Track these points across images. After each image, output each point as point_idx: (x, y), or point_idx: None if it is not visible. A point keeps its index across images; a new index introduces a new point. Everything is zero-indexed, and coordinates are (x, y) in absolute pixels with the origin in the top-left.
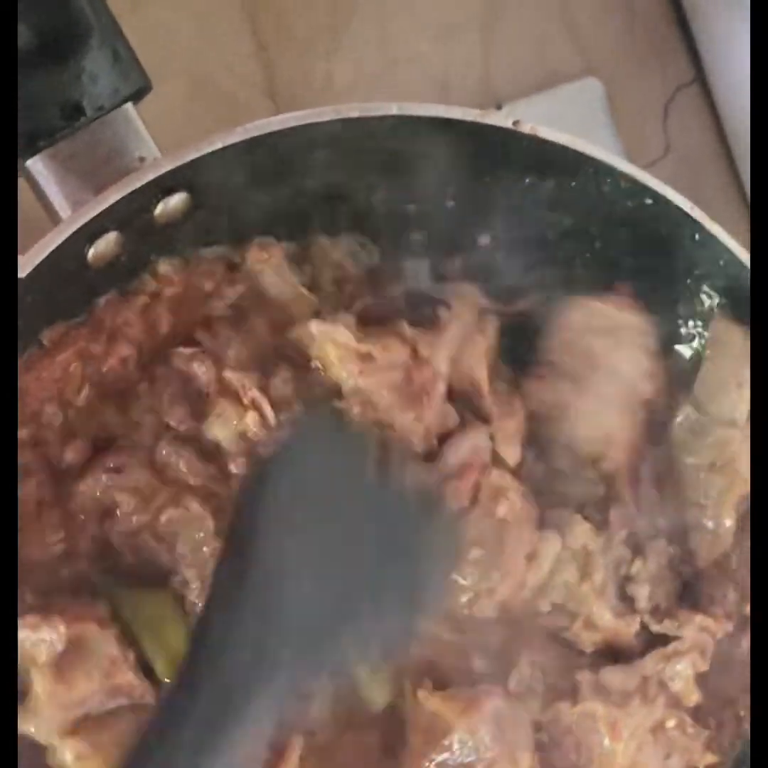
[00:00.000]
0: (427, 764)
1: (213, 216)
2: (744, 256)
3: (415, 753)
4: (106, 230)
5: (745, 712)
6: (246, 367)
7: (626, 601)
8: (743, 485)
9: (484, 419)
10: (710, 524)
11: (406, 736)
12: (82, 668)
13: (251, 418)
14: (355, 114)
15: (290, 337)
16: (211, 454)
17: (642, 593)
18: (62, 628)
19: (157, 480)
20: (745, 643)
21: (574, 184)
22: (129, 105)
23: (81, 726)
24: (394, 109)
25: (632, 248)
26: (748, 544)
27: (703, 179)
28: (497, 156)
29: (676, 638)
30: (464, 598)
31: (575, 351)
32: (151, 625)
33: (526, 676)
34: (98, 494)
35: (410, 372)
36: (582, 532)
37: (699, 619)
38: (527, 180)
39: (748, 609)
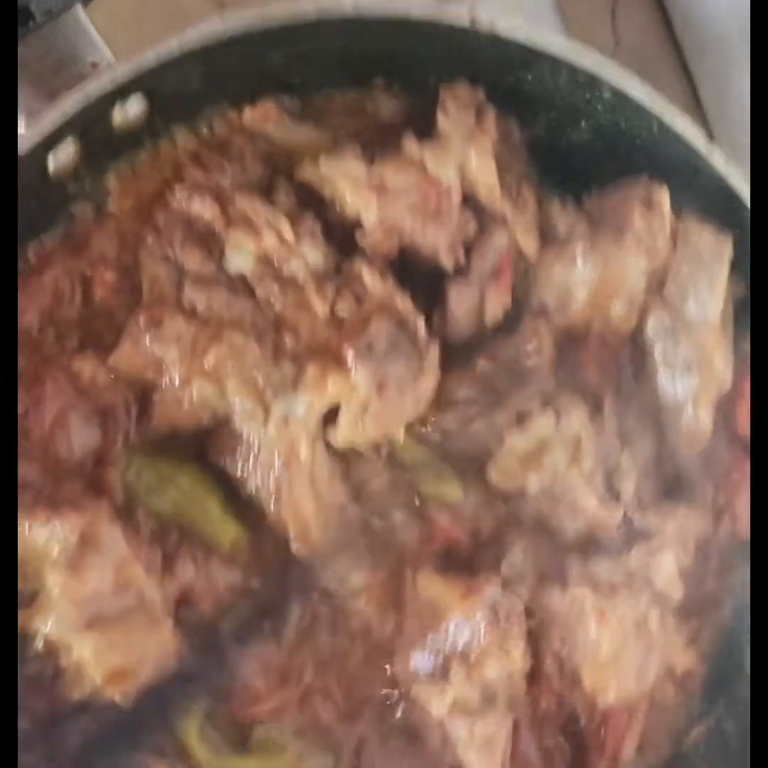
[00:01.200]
0: (419, 649)
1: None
2: (703, 147)
3: (409, 638)
4: (64, 137)
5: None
6: (247, 192)
7: (612, 491)
8: (719, 383)
9: (501, 219)
10: (688, 422)
11: (402, 625)
12: (95, 563)
13: (269, 239)
14: (311, 12)
15: (300, 178)
16: (238, 286)
17: (627, 484)
18: (75, 521)
19: (194, 323)
20: (723, 532)
21: (530, 77)
22: (78, 7)
23: (95, 624)
24: (349, 8)
25: (592, 142)
26: (726, 438)
27: (652, 74)
28: (454, 51)
29: (659, 533)
30: None
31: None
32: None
33: (518, 562)
34: (141, 354)
35: (424, 191)
36: (577, 419)
37: (681, 513)
38: (486, 75)
39: (723, 500)
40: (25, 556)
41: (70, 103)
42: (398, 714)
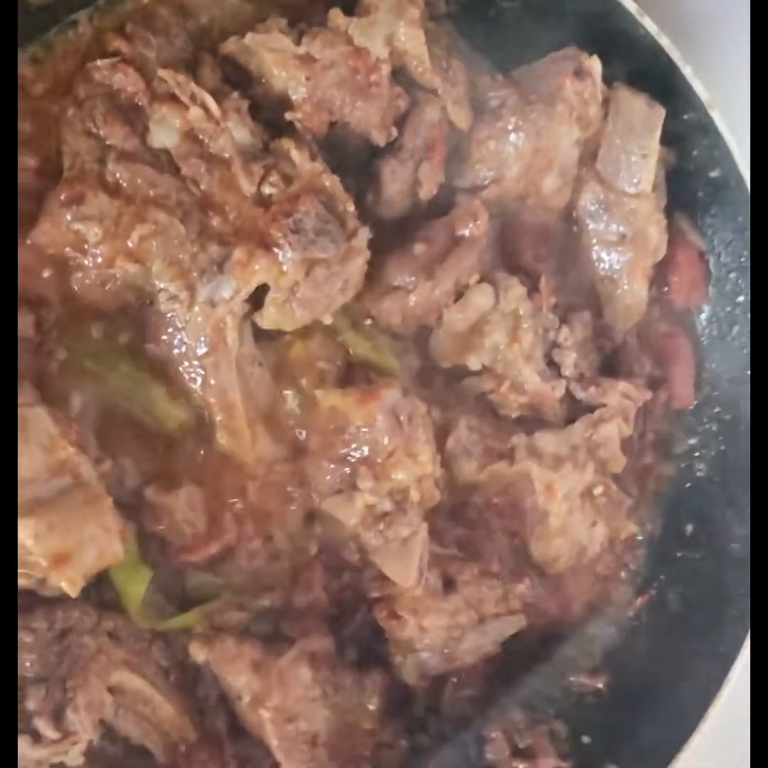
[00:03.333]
0: (325, 463)
1: None
2: (635, 10)
3: (315, 456)
4: None
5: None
6: (172, 66)
7: (553, 367)
8: (653, 254)
9: (432, 92)
10: (624, 295)
11: (307, 444)
12: (23, 449)
13: (194, 114)
14: None
15: (226, 51)
16: (163, 163)
17: (568, 360)
18: None
19: (117, 200)
20: (659, 404)
21: None
22: None
23: (34, 509)
24: None
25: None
26: (660, 311)
27: None
28: None
29: (600, 405)
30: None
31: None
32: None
33: (464, 438)
34: (62, 232)
35: (353, 64)
36: (515, 296)
37: (621, 386)
38: None
39: (659, 372)
40: None
41: None
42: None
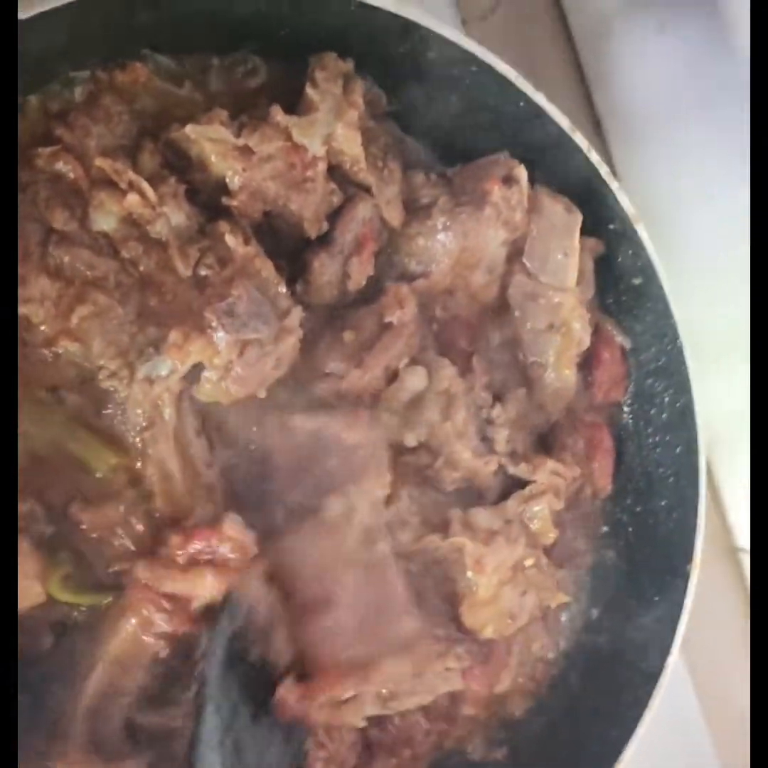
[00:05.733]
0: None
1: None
2: (567, 126)
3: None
4: None
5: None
6: (111, 153)
7: (486, 442)
8: (577, 344)
9: (366, 190)
10: (553, 380)
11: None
12: None
13: (131, 200)
14: None
15: (167, 138)
16: (102, 246)
17: (501, 436)
18: None
19: (58, 282)
20: (586, 489)
21: (401, 50)
22: None
23: None
24: None
25: (462, 116)
26: (586, 403)
27: (533, 34)
28: (325, 18)
29: (532, 481)
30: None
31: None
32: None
33: (404, 508)
34: None
35: (290, 159)
36: (446, 376)
37: (551, 463)
38: (357, 45)
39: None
40: None
41: None
42: None
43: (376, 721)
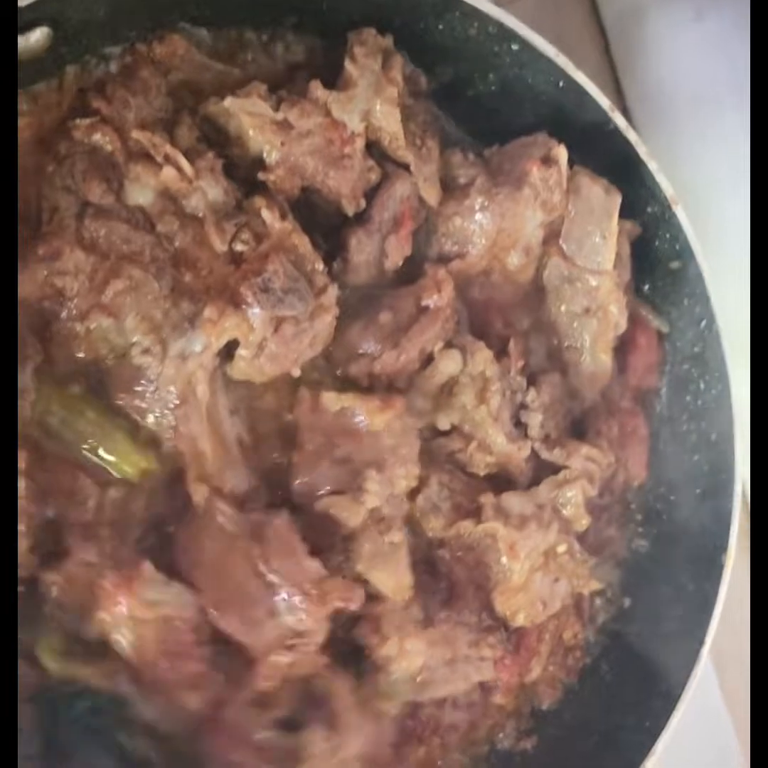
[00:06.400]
0: (326, 462)
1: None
2: (607, 105)
3: (313, 455)
4: None
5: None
6: (149, 126)
7: (520, 427)
8: (614, 328)
9: (404, 168)
10: (589, 363)
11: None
12: None
13: (168, 174)
14: None
15: (205, 112)
16: (138, 220)
17: (534, 421)
18: None
19: (93, 256)
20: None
21: (441, 26)
22: None
23: None
24: None
25: (500, 95)
26: (620, 388)
27: (564, 18)
28: None
29: (565, 467)
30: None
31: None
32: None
33: (434, 494)
34: (39, 286)
35: (328, 135)
36: (482, 359)
37: (585, 449)
38: (397, 21)
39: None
40: None
41: None
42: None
43: (409, 708)
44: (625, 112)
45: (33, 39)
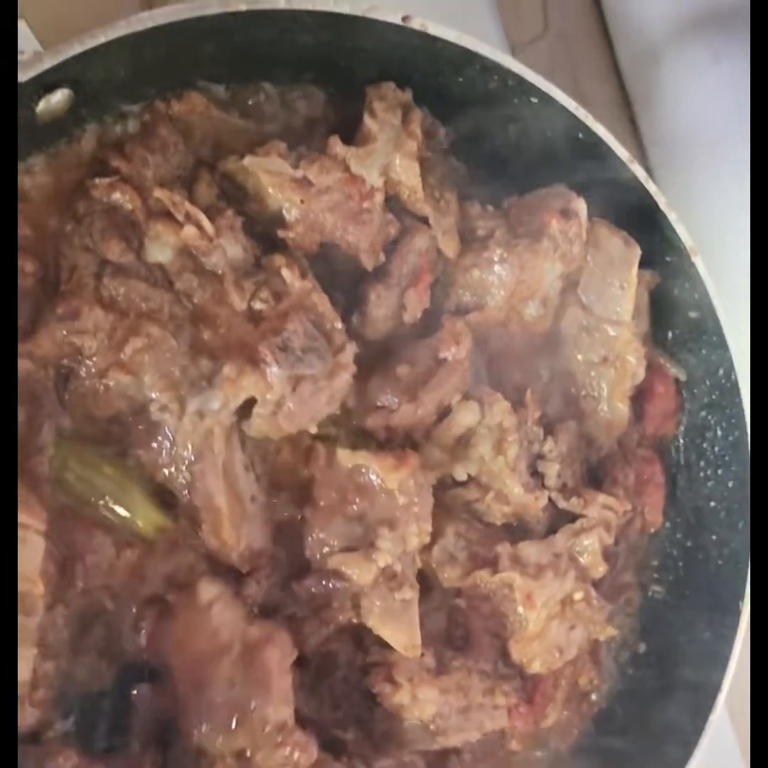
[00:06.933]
0: (339, 518)
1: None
2: (625, 157)
3: (327, 511)
4: None
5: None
6: (168, 183)
7: (536, 477)
8: (632, 377)
9: (422, 221)
10: (606, 412)
11: (312, 496)
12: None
13: (189, 233)
14: (242, 7)
15: (224, 169)
16: (157, 278)
17: (552, 471)
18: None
19: (112, 314)
20: (636, 523)
21: (461, 79)
22: None
23: None
24: (281, 3)
25: (518, 146)
26: (638, 436)
27: (579, 58)
28: (385, 49)
29: (582, 515)
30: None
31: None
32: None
33: (450, 544)
34: (58, 345)
35: (347, 190)
36: (500, 410)
37: (602, 498)
38: (415, 76)
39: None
40: None
41: None
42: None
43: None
44: (641, 151)
45: (54, 101)
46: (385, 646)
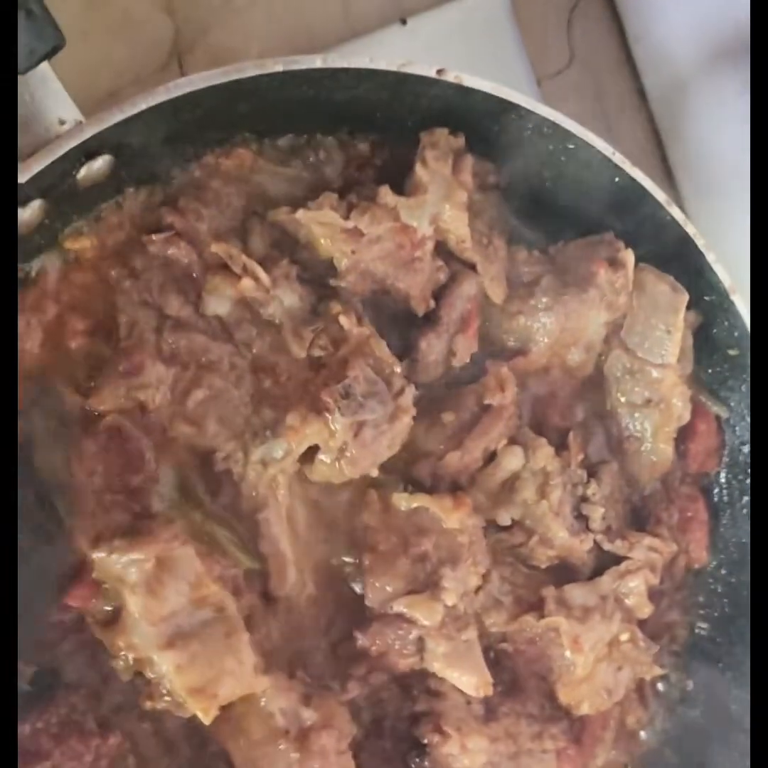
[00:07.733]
0: (404, 560)
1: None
2: (663, 199)
3: (389, 554)
4: (30, 199)
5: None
6: (222, 236)
7: (580, 520)
8: (677, 419)
9: (470, 267)
10: (649, 452)
11: (369, 543)
12: (171, 584)
13: (246, 285)
14: (278, 68)
15: (274, 219)
16: (216, 330)
17: (596, 514)
18: (150, 548)
19: (173, 368)
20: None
21: (496, 127)
22: (45, 64)
23: (176, 641)
24: (318, 62)
25: (556, 191)
26: (685, 465)
27: (606, 88)
28: (419, 103)
29: (627, 558)
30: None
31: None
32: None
33: (495, 589)
34: (121, 400)
35: (398, 240)
36: (544, 455)
37: (647, 540)
38: (454, 125)
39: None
40: (104, 577)
41: (37, 165)
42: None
43: None
44: (669, 178)
45: (95, 167)
46: (432, 694)
